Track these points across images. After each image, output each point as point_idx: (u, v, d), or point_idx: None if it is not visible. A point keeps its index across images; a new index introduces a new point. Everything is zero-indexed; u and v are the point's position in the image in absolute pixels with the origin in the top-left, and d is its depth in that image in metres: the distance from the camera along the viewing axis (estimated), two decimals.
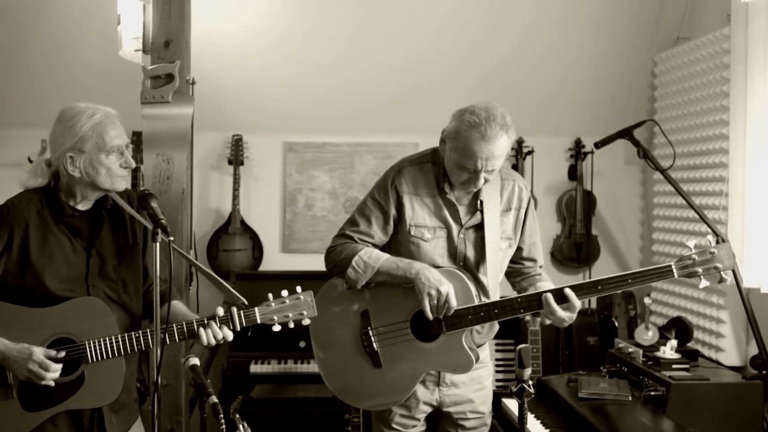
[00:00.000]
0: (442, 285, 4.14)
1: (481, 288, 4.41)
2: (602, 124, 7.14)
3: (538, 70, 7.55)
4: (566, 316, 4.14)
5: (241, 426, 3.76)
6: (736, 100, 5.85)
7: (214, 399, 3.59)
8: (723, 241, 4.32)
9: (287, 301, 3.94)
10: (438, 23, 7.26)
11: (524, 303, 4.21)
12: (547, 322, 4.24)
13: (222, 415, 3.51)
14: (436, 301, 4.15)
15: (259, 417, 6.32)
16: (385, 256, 4.35)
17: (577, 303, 4.13)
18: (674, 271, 4.14)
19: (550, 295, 4.14)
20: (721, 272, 4.13)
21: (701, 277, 4.14)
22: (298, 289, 3.99)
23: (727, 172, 5.96)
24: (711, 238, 4.20)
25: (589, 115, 7.85)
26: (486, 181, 4.24)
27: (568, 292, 4.13)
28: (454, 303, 4.15)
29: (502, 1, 7.13)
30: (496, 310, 4.22)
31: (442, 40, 7.33)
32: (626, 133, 5.69)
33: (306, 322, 3.98)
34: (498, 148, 4.12)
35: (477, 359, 4.33)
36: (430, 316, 4.17)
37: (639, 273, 4.17)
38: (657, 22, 7.28)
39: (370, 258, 4.31)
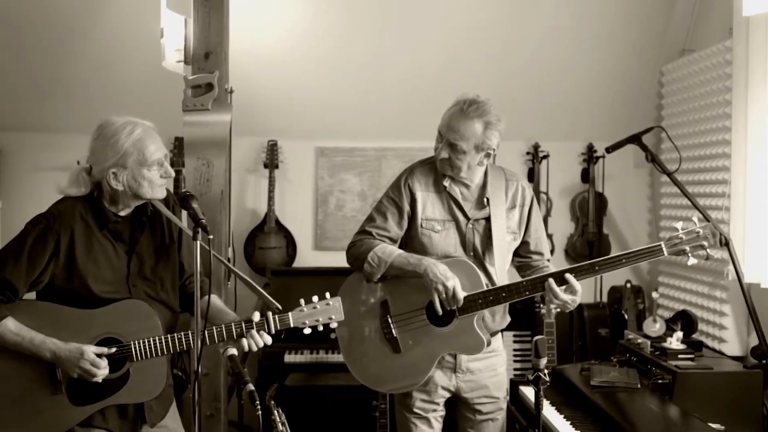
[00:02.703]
0: (448, 280, 4.20)
1: (489, 277, 4.45)
2: (613, 131, 7.15)
3: (553, 79, 7.55)
4: (568, 299, 4.19)
5: (276, 412, 3.79)
6: (737, 108, 5.85)
7: (251, 387, 3.60)
8: (708, 221, 4.35)
9: (318, 306, 3.99)
10: (458, 36, 7.27)
11: (529, 286, 4.28)
12: (552, 307, 4.28)
13: (258, 402, 3.53)
14: (444, 295, 4.20)
15: (292, 404, 6.33)
16: (398, 252, 4.41)
17: (577, 285, 4.20)
18: (664, 249, 4.20)
19: (551, 279, 4.19)
20: (707, 249, 4.19)
21: (689, 254, 4.21)
22: (327, 295, 4.04)
23: (730, 174, 5.96)
24: (696, 219, 4.24)
25: (601, 122, 7.84)
26: (452, 164, 4.39)
27: (568, 276, 4.19)
28: (460, 296, 4.21)
29: (520, 15, 7.14)
30: (503, 294, 4.29)
31: (462, 51, 7.34)
32: (635, 139, 5.67)
33: (334, 325, 4.07)
34: (465, 126, 4.28)
35: (489, 343, 4.38)
36: (439, 311, 4.24)
37: (632, 253, 4.24)
38: (664, 35, 7.27)
39: (384, 254, 4.38)
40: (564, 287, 4.19)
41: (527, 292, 4.28)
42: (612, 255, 4.26)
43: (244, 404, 6.89)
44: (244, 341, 3.90)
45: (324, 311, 3.98)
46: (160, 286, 4.04)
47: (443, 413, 4.63)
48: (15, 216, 7.32)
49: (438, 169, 4.50)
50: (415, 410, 4.53)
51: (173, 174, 3.98)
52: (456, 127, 4.27)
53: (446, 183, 4.47)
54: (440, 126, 4.40)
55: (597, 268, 4.23)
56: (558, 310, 4.34)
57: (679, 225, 4.23)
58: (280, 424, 3.89)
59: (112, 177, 3.81)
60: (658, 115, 7.62)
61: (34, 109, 7.72)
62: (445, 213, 4.49)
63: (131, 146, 3.80)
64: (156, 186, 3.89)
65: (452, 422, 4.77)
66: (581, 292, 4.23)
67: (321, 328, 4.02)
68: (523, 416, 5.38)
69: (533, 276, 4.35)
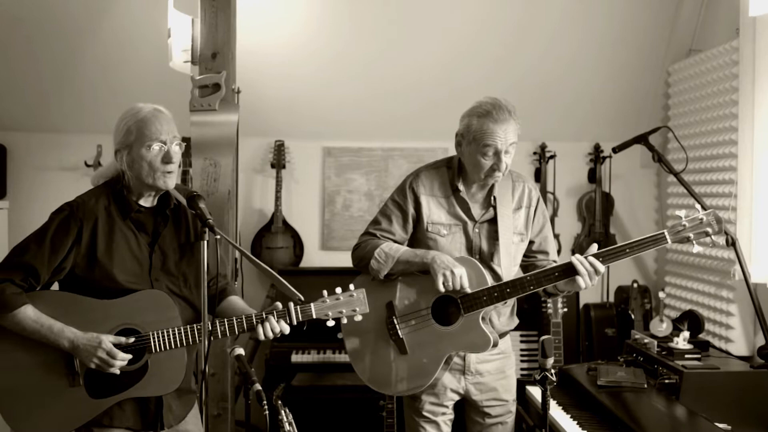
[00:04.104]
0: (455, 267, 4.19)
1: (496, 277, 4.43)
2: (620, 131, 7.15)
3: (560, 79, 7.56)
4: (601, 268, 4.16)
5: (282, 411, 3.79)
6: (744, 108, 5.84)
7: (258, 387, 3.60)
8: (705, 209, 4.33)
9: (341, 297, 3.95)
10: (466, 37, 7.27)
11: (533, 280, 4.25)
12: (587, 280, 4.19)
13: (265, 402, 3.53)
14: (451, 281, 4.18)
15: (299, 403, 6.33)
16: (404, 247, 4.44)
17: (581, 284, 4.16)
18: (667, 237, 4.18)
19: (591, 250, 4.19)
20: (711, 236, 4.18)
21: (693, 242, 4.19)
22: (351, 286, 4.00)
23: (736, 174, 5.94)
24: (699, 207, 4.25)
25: (608, 122, 7.85)
26: (507, 166, 4.30)
27: (575, 260, 4.16)
28: (466, 282, 4.20)
29: (527, 16, 7.14)
30: (507, 289, 4.26)
31: (470, 52, 7.34)
32: (642, 139, 5.67)
33: (358, 318, 3.98)
34: (510, 131, 4.24)
35: (496, 343, 4.33)
36: (441, 288, 4.20)
37: (636, 242, 4.20)
38: (671, 35, 7.26)
39: (391, 250, 4.39)
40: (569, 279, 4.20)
41: (531, 287, 4.25)
42: (616, 245, 4.22)
43: (251, 404, 6.86)
44: (260, 329, 3.83)
45: (348, 303, 3.95)
46: (183, 282, 3.99)
47: (452, 416, 4.62)
48: (22, 215, 7.34)
49: (492, 182, 4.41)
50: (424, 413, 4.52)
51: (173, 158, 3.87)
52: (506, 133, 4.21)
53: (461, 186, 4.45)
54: (477, 147, 4.27)
55: (601, 259, 4.19)
56: (580, 286, 4.24)
57: (682, 213, 4.21)
58: (287, 424, 3.89)
59: (118, 158, 3.83)
60: (665, 115, 7.62)
61: (40, 110, 7.75)
62: (450, 217, 4.48)
63: (134, 125, 3.79)
64: (157, 170, 3.81)
65: (461, 426, 4.77)
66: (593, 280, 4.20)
67: (345, 321, 3.99)
68: (530, 416, 5.39)
69: (538, 270, 4.33)
